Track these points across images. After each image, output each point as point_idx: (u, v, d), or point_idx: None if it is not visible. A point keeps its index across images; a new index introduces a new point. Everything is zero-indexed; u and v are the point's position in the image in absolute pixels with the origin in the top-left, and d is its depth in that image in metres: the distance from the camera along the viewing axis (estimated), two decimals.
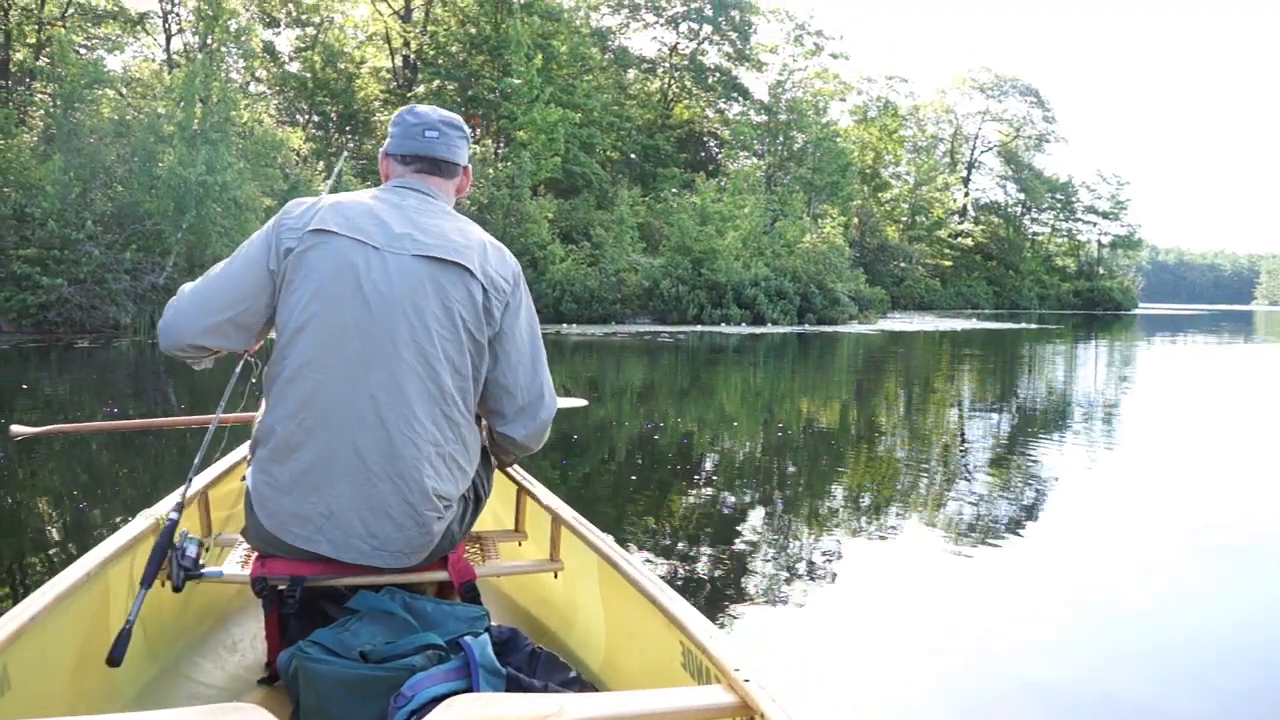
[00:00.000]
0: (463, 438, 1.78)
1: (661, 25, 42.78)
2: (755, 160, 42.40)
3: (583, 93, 34.02)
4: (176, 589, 1.75)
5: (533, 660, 1.67)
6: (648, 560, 3.90)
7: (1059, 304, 56.38)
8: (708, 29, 42.57)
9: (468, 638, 1.56)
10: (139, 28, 26.20)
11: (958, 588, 3.79)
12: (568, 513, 2.10)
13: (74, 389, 9.49)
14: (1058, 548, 4.38)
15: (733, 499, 5.26)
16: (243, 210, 18.51)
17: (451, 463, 1.76)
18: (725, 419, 8.69)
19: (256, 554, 1.79)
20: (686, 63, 42.92)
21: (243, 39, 23.54)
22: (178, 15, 26.07)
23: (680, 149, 41.80)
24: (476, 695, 1.38)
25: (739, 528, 4.60)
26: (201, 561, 1.77)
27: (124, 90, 21.62)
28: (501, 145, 30.58)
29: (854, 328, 26.50)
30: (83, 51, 22.40)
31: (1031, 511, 5.08)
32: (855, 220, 43.82)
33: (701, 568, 3.91)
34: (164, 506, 1.99)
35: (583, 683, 1.67)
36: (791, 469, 6.25)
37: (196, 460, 2.00)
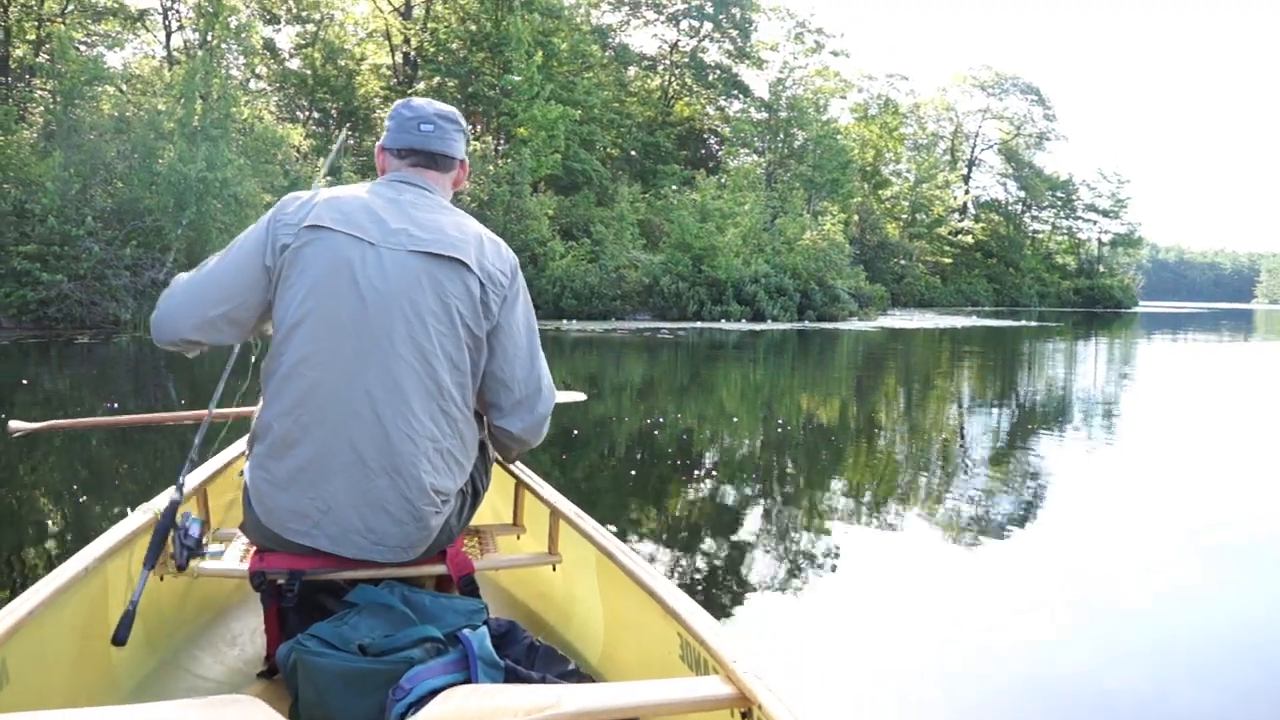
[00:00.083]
0: (460, 433, 1.78)
1: (662, 23, 42.82)
2: (755, 157, 42.36)
3: (583, 90, 33.99)
4: (180, 568, 1.75)
5: (531, 653, 1.67)
6: (647, 554, 3.90)
7: (1059, 302, 56.41)
8: (708, 26, 42.55)
9: (466, 630, 1.56)
10: (139, 24, 26.23)
11: (957, 583, 3.79)
12: (566, 506, 2.10)
13: (74, 385, 9.49)
14: (1057, 545, 4.38)
15: (732, 494, 5.26)
16: (243, 207, 18.49)
17: (449, 458, 1.76)
18: (725, 415, 8.69)
19: (255, 548, 1.79)
20: (687, 60, 42.89)
21: (243, 35, 23.57)
22: (178, 12, 26.15)
23: (680, 146, 41.76)
24: (475, 686, 1.39)
25: (738, 522, 4.61)
26: (205, 541, 1.76)
27: (124, 87, 21.59)
28: (502, 142, 30.56)
29: (854, 325, 26.48)
30: (83, 48, 22.38)
31: (1031, 509, 5.08)
32: (855, 217, 43.78)
33: (700, 561, 3.92)
34: (162, 500, 1.99)
35: (581, 675, 1.67)
36: (790, 465, 6.25)
37: (193, 451, 2.00)
